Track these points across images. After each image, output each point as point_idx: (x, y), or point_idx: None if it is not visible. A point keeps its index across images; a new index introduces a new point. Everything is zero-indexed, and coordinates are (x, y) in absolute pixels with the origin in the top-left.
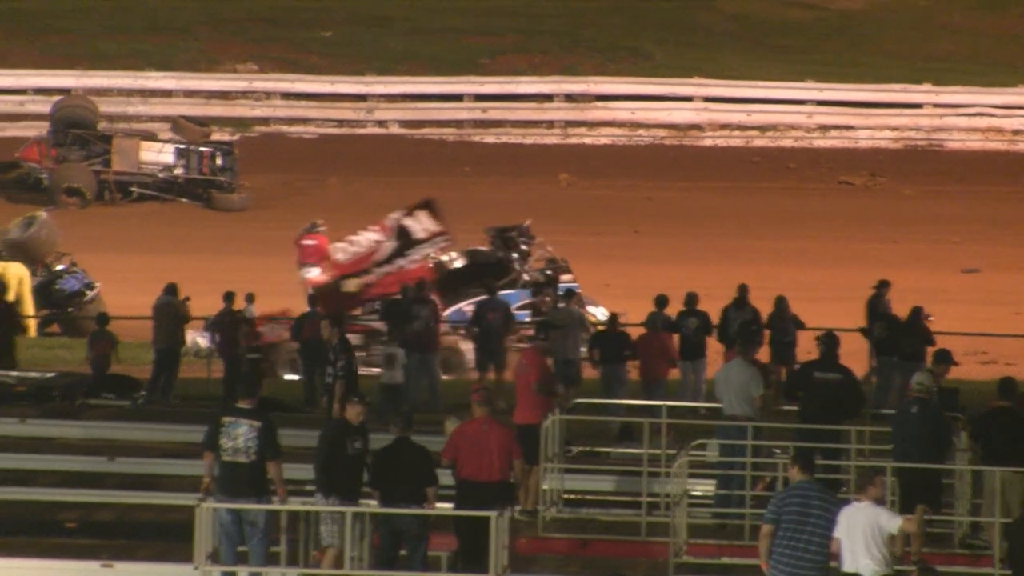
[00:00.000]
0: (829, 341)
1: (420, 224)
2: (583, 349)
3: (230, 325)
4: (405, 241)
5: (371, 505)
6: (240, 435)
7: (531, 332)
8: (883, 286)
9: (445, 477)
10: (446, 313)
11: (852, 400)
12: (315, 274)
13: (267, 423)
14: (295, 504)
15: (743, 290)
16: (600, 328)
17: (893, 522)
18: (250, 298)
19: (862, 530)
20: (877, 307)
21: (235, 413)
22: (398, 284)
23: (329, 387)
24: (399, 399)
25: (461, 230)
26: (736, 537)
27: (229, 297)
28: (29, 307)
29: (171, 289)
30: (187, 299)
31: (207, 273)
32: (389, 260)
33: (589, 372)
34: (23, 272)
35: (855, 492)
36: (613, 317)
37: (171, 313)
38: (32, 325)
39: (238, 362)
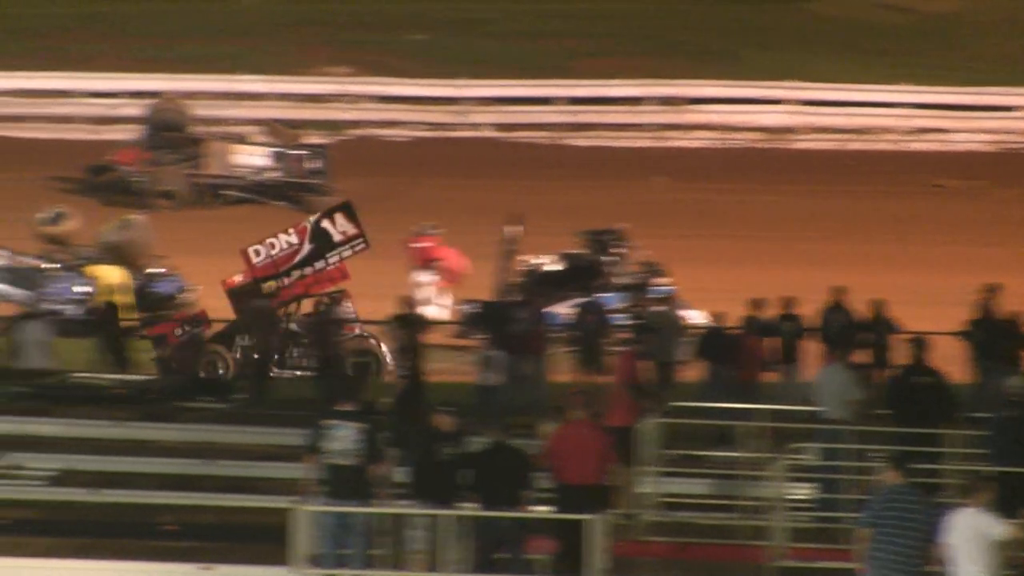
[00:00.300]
0: (920, 345)
1: (337, 227)
2: (680, 352)
3: (324, 327)
4: (322, 244)
5: (468, 509)
6: (344, 438)
7: (627, 335)
8: (991, 290)
9: (543, 480)
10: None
11: (944, 404)
12: (429, 278)
13: (370, 425)
14: (394, 507)
15: (839, 293)
16: (707, 331)
17: (999, 528)
18: (342, 298)
19: (969, 537)
20: (985, 311)
21: (338, 416)
22: (310, 288)
23: (360, 386)
24: (495, 401)
25: (555, 233)
26: (835, 541)
27: (321, 299)
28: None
29: (266, 292)
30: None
31: None
32: (306, 263)
33: (688, 374)
34: (119, 275)
35: (962, 497)
36: (719, 318)
37: (264, 315)
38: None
39: (337, 364)
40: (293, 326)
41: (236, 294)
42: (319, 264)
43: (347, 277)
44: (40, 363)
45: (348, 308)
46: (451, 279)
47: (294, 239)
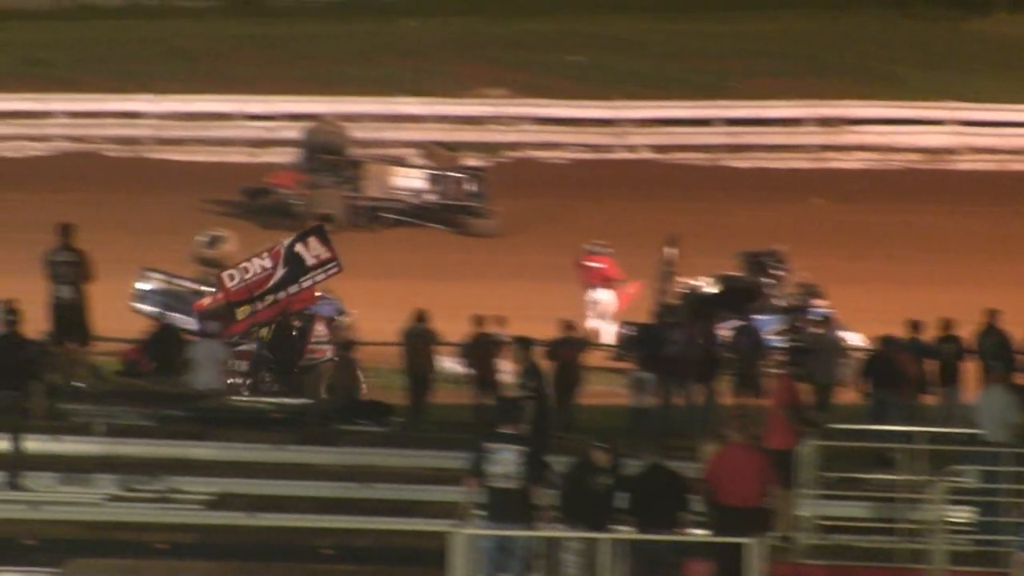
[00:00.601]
0: None
1: (310, 251)
2: (839, 374)
3: (484, 350)
4: (295, 268)
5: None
6: (506, 461)
7: (785, 358)
8: None
9: (700, 503)
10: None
11: None
12: (605, 296)
13: (532, 448)
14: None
15: (993, 315)
16: (872, 353)
17: None
18: (501, 322)
19: None
20: None
21: (499, 439)
22: (283, 311)
23: (521, 409)
24: (648, 424)
25: (713, 254)
26: (994, 564)
27: (479, 321)
28: None
29: (421, 315)
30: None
31: (458, 299)
32: (280, 287)
33: (850, 397)
34: None
35: None
36: (886, 340)
37: (422, 339)
38: None
39: (494, 387)
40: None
41: (206, 316)
42: (292, 288)
43: (315, 301)
44: (214, 383)
45: (320, 332)
46: (626, 298)
47: (268, 263)
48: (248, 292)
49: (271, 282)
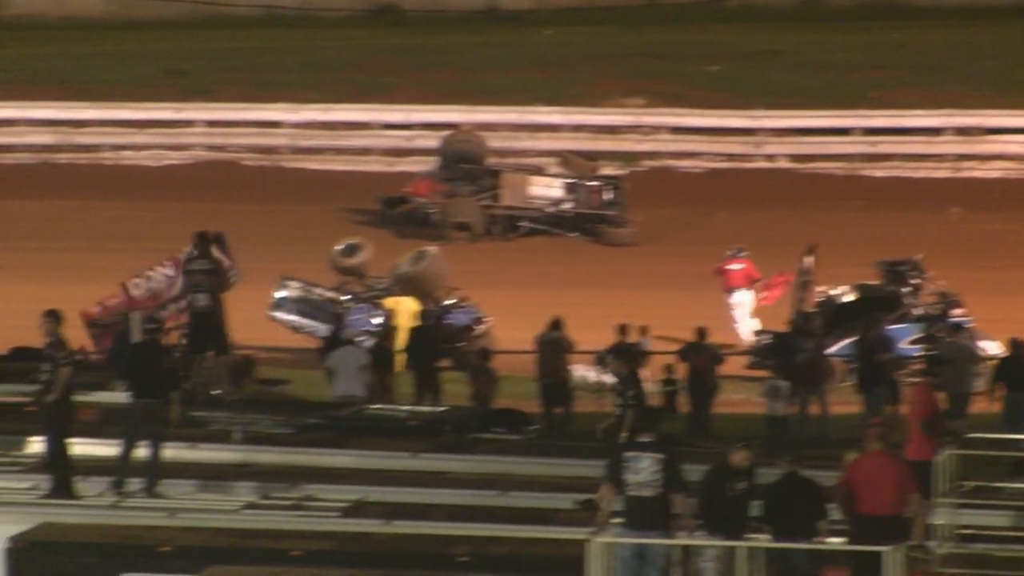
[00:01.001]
0: None
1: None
2: (975, 383)
3: (624, 357)
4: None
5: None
6: (644, 469)
7: (922, 367)
8: None
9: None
10: (835, 348)
11: None
12: (746, 298)
13: (670, 456)
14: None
15: None
16: (1004, 357)
17: None
18: (644, 330)
19: None
20: None
21: (637, 447)
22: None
23: (619, 417)
24: (784, 432)
25: (852, 264)
26: None
27: (622, 330)
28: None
29: (557, 324)
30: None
31: (595, 307)
32: (181, 296)
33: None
34: (414, 306)
35: None
36: (1016, 344)
37: (556, 348)
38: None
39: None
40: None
41: (95, 326)
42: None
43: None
44: (354, 390)
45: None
46: (770, 297)
47: (170, 271)
48: (154, 300)
49: (174, 290)
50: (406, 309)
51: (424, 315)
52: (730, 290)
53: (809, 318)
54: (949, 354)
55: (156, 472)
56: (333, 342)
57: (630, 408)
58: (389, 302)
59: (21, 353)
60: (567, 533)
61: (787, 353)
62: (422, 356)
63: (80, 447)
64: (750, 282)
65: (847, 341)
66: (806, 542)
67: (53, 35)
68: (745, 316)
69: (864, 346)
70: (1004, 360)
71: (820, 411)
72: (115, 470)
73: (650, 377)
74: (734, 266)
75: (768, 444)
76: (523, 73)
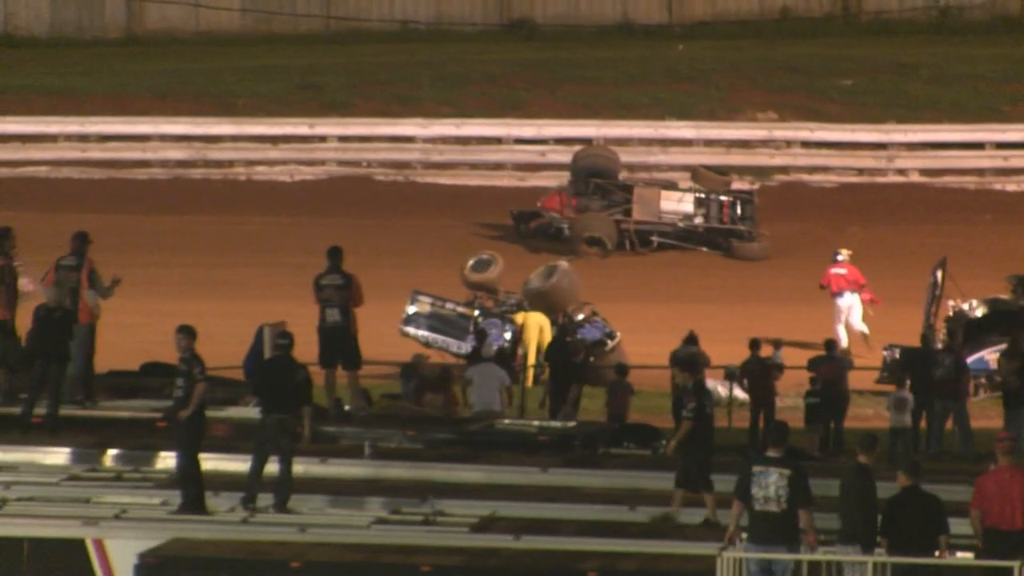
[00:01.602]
0: None
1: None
2: None
3: (759, 372)
4: None
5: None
6: (771, 484)
7: None
8: None
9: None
10: (968, 361)
11: None
12: (852, 301)
13: (798, 470)
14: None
15: None
16: None
17: None
18: (777, 344)
19: None
20: None
21: (765, 462)
22: None
23: (676, 428)
24: (909, 444)
25: (983, 278)
26: None
27: (755, 344)
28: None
29: (692, 338)
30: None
31: (727, 322)
32: None
33: None
34: (544, 321)
35: None
36: None
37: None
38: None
39: (770, 410)
40: None
41: None
42: None
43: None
44: (492, 405)
45: None
46: (875, 299)
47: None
48: None
49: None
50: (535, 323)
51: (560, 329)
52: (837, 294)
53: (951, 333)
54: None
55: (287, 488)
56: (475, 356)
57: (688, 420)
58: (519, 316)
59: (153, 368)
60: (696, 548)
61: (921, 367)
62: (556, 371)
63: (211, 462)
64: (857, 286)
65: (978, 355)
66: (926, 556)
67: (188, 50)
68: (858, 319)
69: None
70: None
71: (959, 426)
72: (246, 486)
73: (781, 391)
74: (838, 270)
75: (893, 457)
76: (656, 87)
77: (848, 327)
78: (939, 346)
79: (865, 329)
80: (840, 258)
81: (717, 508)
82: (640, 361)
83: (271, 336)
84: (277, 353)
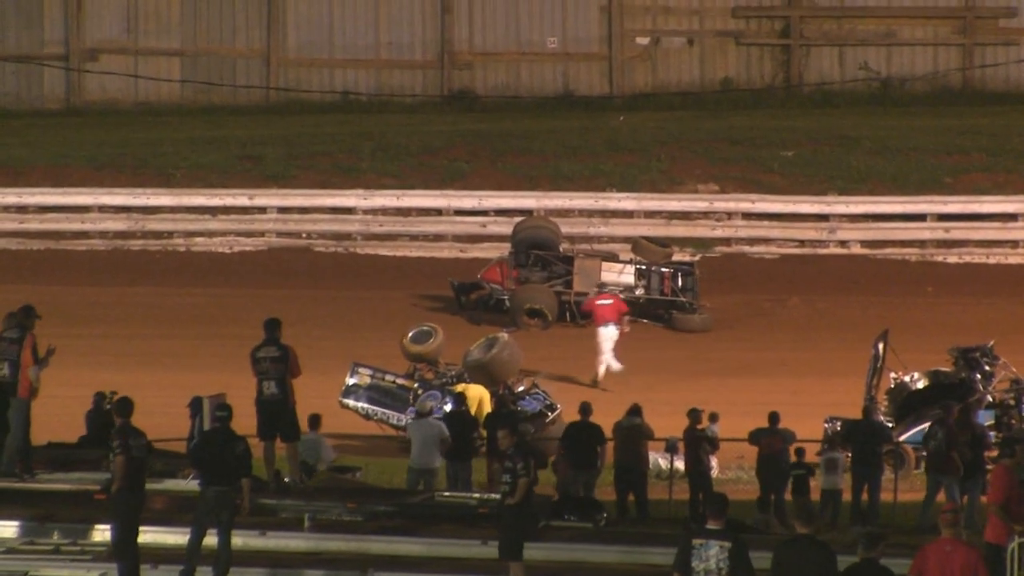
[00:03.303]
0: None
1: None
2: None
3: (692, 443)
4: None
5: None
6: (711, 556)
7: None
8: None
9: None
10: (908, 435)
11: None
12: (612, 332)
13: (738, 543)
14: None
15: None
16: None
17: None
18: (713, 417)
19: None
20: None
21: (705, 534)
22: None
23: (505, 493)
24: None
25: (924, 350)
26: None
27: (694, 414)
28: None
29: (636, 410)
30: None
31: (668, 394)
32: None
33: None
34: (484, 393)
35: None
36: None
37: (635, 434)
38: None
39: (703, 481)
40: None
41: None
42: None
43: None
44: (431, 463)
45: None
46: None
47: None
48: None
49: None
50: (475, 396)
51: (499, 401)
52: (602, 325)
53: (944, 406)
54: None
55: (226, 561)
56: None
57: (520, 479)
58: (459, 388)
59: (91, 440)
60: None
61: (859, 439)
62: (493, 442)
63: (150, 535)
64: (619, 316)
65: (919, 427)
66: None
67: (127, 121)
68: (610, 349)
69: (950, 433)
70: None
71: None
72: (185, 559)
73: (716, 465)
74: (604, 301)
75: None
76: (597, 158)
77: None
78: (881, 418)
79: (618, 366)
80: (602, 290)
81: None
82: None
83: (210, 408)
84: (216, 425)
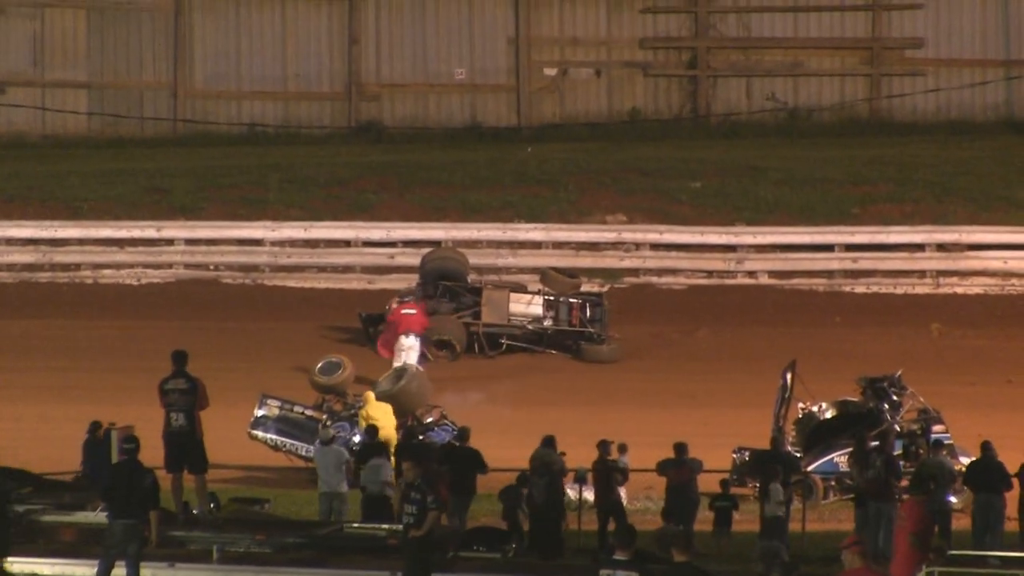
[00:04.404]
0: None
1: None
2: (952, 499)
3: (603, 475)
4: None
5: None
6: None
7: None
8: None
9: None
10: (816, 464)
11: None
12: (414, 342)
13: (646, 573)
14: None
15: None
16: (974, 460)
17: None
18: (623, 448)
19: None
20: None
21: (613, 565)
22: None
23: (411, 524)
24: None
25: (832, 380)
26: None
27: (603, 445)
28: None
29: (548, 441)
30: (563, 453)
31: (577, 424)
32: None
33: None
34: (386, 409)
35: None
36: (986, 445)
37: (549, 466)
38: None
39: (613, 511)
40: None
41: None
42: None
43: None
44: (338, 487)
45: None
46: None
47: None
48: None
49: None
50: (379, 415)
51: (408, 432)
52: (406, 333)
53: (884, 435)
54: (929, 471)
55: None
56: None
57: (430, 511)
58: (363, 416)
59: None
60: None
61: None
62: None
63: (58, 567)
64: (421, 328)
65: (827, 457)
66: None
67: (34, 153)
68: (413, 358)
69: (889, 460)
70: (973, 463)
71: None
72: None
73: (626, 497)
74: (408, 311)
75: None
76: (505, 190)
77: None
78: (789, 448)
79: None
80: (405, 298)
81: None
82: (492, 464)
83: (118, 441)
84: (124, 458)
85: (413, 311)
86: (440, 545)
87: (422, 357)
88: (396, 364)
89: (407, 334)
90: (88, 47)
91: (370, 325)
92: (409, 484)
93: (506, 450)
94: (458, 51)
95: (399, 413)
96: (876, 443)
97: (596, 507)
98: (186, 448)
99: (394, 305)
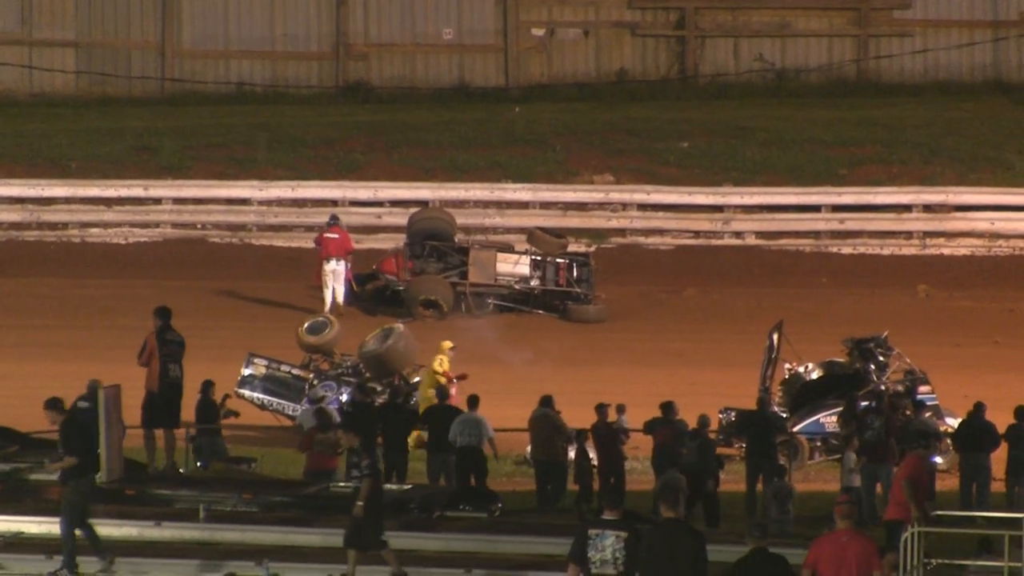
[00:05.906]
0: None
1: None
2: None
3: (608, 437)
4: None
5: None
6: (608, 547)
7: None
8: None
9: None
10: (802, 425)
11: None
12: (340, 267)
13: (636, 533)
14: None
15: None
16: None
17: None
18: (621, 408)
19: None
20: None
21: (602, 525)
22: None
23: (356, 489)
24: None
25: (819, 341)
26: None
27: (601, 408)
28: None
29: (547, 401)
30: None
31: (565, 385)
32: None
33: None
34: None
35: None
36: (978, 405)
37: (548, 425)
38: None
39: (615, 473)
40: None
41: None
42: None
43: None
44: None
45: None
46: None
47: None
48: None
49: None
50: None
51: (393, 392)
52: (327, 259)
53: (879, 396)
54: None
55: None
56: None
57: (366, 477)
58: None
59: None
60: None
61: (753, 429)
62: (392, 433)
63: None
64: (345, 253)
65: (813, 418)
66: None
67: (21, 112)
68: (341, 283)
69: (888, 421)
70: (963, 422)
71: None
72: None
73: (628, 455)
74: (332, 235)
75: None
76: (493, 150)
77: (333, 293)
78: (775, 409)
79: (341, 300)
80: (333, 222)
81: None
82: (493, 424)
83: (105, 399)
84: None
85: (336, 235)
86: (425, 505)
87: (347, 283)
88: (325, 291)
89: (328, 259)
90: (76, 6)
91: (357, 285)
92: (351, 451)
93: (499, 409)
94: (446, 11)
95: (386, 373)
96: (866, 403)
97: (598, 469)
98: (174, 402)
99: (326, 235)
